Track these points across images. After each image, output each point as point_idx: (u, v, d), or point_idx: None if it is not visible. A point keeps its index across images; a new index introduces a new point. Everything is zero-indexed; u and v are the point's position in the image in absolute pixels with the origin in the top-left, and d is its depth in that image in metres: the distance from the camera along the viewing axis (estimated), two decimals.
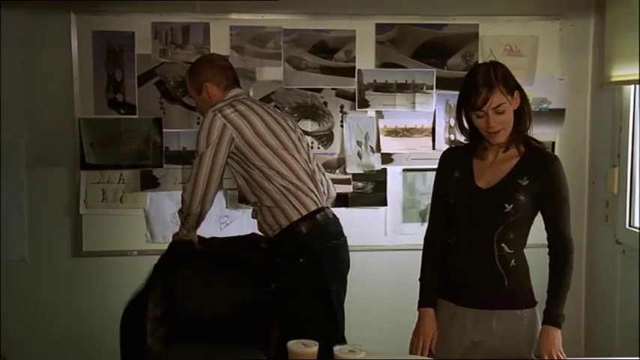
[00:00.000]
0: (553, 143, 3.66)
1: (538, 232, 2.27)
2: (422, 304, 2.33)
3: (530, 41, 3.62)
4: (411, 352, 2.29)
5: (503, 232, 2.20)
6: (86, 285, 3.56)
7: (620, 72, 3.35)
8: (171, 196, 3.54)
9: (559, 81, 3.65)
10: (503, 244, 2.21)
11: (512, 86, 2.17)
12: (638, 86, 3.32)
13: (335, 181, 3.51)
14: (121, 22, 3.46)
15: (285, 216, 2.75)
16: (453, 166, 2.30)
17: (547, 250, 2.27)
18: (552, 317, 2.20)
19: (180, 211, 2.81)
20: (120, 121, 3.48)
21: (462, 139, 2.36)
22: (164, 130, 3.50)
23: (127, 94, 3.48)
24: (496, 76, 2.14)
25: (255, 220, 2.85)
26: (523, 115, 2.21)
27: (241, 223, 3.47)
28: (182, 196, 2.77)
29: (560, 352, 2.17)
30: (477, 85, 2.13)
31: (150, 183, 3.52)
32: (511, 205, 2.17)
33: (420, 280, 2.36)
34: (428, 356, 2.26)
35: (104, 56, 3.46)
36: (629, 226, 3.40)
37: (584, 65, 3.71)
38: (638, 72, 3.14)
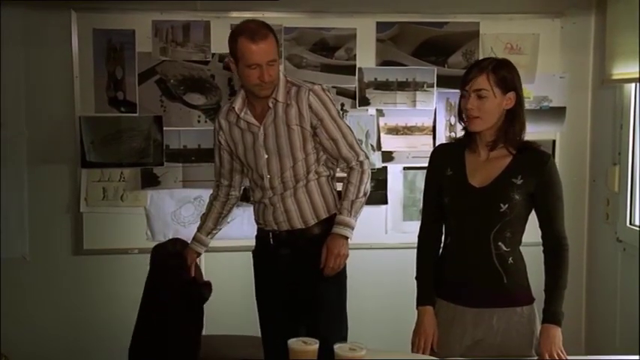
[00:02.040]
0: (554, 141, 3.67)
1: (535, 230, 2.28)
2: (420, 302, 2.33)
3: (531, 39, 3.62)
4: (412, 352, 2.29)
5: (499, 231, 2.20)
6: (87, 283, 3.56)
7: (621, 70, 3.35)
8: (171, 194, 3.54)
9: (560, 79, 3.65)
10: (499, 243, 2.21)
11: (506, 84, 2.18)
12: (638, 84, 3.32)
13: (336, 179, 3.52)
14: (121, 20, 3.46)
15: (335, 202, 2.67)
16: (445, 163, 2.30)
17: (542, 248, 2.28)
18: (552, 315, 2.20)
19: (362, 184, 2.61)
20: (120, 119, 3.49)
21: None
22: (164, 128, 3.50)
23: (128, 92, 3.49)
24: (491, 65, 2.19)
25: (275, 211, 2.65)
26: (516, 117, 2.21)
27: (242, 222, 3.46)
28: (361, 162, 2.61)
29: (561, 351, 2.17)
30: (472, 67, 2.22)
31: (150, 181, 3.52)
32: (506, 205, 2.18)
33: (417, 278, 2.36)
34: (430, 354, 2.26)
35: (105, 54, 3.46)
36: (630, 224, 3.40)
37: (585, 63, 3.70)
38: (638, 70, 3.13)
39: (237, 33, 2.52)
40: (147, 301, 2.66)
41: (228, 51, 3.41)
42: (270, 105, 2.60)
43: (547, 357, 2.17)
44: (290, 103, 2.59)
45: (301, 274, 2.61)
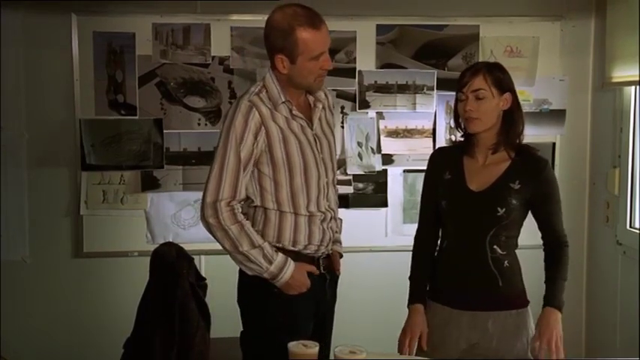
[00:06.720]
0: (554, 144, 3.67)
1: (533, 233, 2.29)
2: (411, 301, 2.34)
3: (531, 42, 3.62)
4: (399, 351, 2.29)
5: (495, 235, 2.21)
6: (86, 286, 3.56)
7: (621, 73, 3.35)
8: (171, 197, 3.54)
9: (560, 82, 3.65)
10: (495, 246, 2.22)
11: (502, 85, 2.21)
12: (638, 87, 3.32)
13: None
14: (121, 23, 3.46)
15: None
16: (444, 167, 2.31)
17: (541, 251, 2.30)
18: (552, 300, 2.20)
19: None
20: (121, 122, 3.48)
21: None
22: (165, 131, 3.50)
23: (128, 95, 3.49)
24: (485, 67, 2.21)
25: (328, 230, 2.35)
26: (514, 118, 2.23)
27: None
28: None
29: (560, 338, 2.16)
30: (466, 71, 2.23)
31: (151, 184, 3.52)
32: (503, 209, 2.18)
33: (410, 278, 2.37)
34: (418, 353, 2.26)
35: (105, 57, 3.46)
36: (630, 227, 3.40)
37: (584, 66, 3.71)
38: (638, 73, 3.14)
39: (292, 24, 2.10)
40: (156, 302, 2.64)
41: (227, 53, 3.50)
42: (311, 102, 2.27)
43: (545, 343, 2.15)
44: (324, 103, 2.32)
45: (330, 304, 2.43)
